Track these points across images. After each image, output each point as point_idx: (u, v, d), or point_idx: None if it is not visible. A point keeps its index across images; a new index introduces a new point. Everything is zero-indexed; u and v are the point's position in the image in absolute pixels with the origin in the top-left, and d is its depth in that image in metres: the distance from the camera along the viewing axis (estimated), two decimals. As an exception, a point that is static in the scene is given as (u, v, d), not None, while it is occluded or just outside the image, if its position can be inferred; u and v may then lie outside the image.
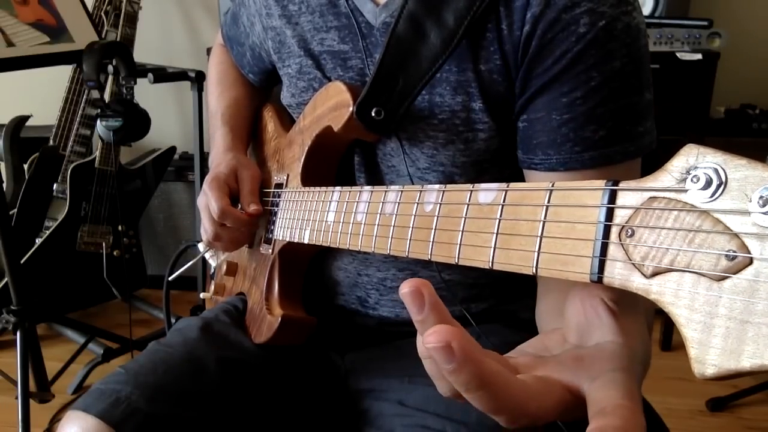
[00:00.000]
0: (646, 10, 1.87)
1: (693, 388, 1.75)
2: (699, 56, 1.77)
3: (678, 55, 1.77)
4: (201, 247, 1.02)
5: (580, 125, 0.60)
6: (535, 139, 0.63)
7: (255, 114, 1.00)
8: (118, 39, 1.92)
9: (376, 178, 0.77)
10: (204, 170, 1.91)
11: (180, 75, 1.84)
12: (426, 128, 0.69)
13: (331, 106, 0.72)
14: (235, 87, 0.99)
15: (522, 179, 0.67)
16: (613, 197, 0.33)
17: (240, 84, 0.99)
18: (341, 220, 0.61)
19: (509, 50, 0.63)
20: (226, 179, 0.84)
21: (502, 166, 0.70)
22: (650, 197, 0.32)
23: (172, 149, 2.16)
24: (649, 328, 0.58)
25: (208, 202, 0.83)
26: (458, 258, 0.44)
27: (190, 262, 0.97)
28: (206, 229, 0.85)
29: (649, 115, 0.63)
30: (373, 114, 0.66)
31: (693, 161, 0.30)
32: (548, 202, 0.37)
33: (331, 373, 0.84)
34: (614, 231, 0.33)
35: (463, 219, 0.44)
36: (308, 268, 0.83)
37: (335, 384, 0.82)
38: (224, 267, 0.97)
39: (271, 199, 0.85)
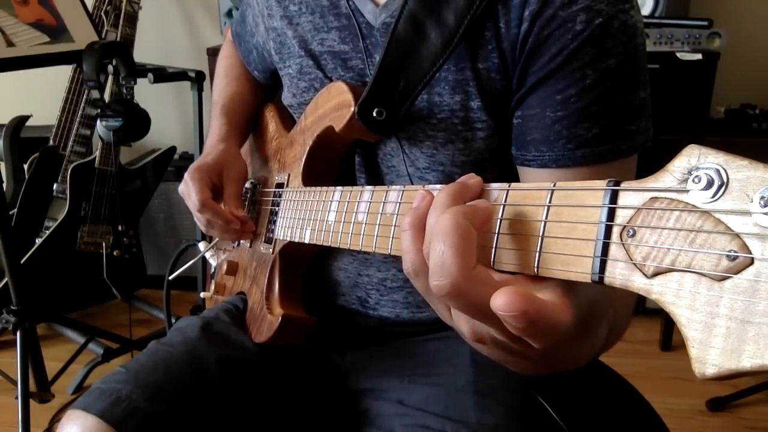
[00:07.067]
0: (646, 10, 1.87)
1: (693, 388, 1.75)
2: (699, 56, 1.77)
3: (678, 55, 1.77)
4: (201, 246, 1.03)
5: (574, 123, 0.60)
6: (528, 136, 0.64)
7: (257, 110, 1.00)
8: (118, 39, 1.92)
9: (376, 178, 0.77)
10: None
11: (180, 75, 1.84)
12: (425, 128, 0.69)
13: (332, 106, 0.72)
14: (239, 81, 0.99)
15: None
16: (614, 197, 0.34)
17: (244, 79, 1.00)
18: (342, 220, 0.61)
19: (507, 48, 0.63)
20: (209, 172, 0.84)
21: (502, 165, 0.70)
22: (652, 197, 0.32)
23: (172, 149, 2.16)
24: (625, 322, 0.59)
25: (188, 192, 0.83)
26: (459, 258, 0.44)
27: (190, 262, 0.97)
28: (197, 218, 0.86)
29: (644, 114, 0.63)
30: (374, 114, 0.66)
31: (694, 162, 0.31)
32: (550, 202, 0.37)
33: (331, 373, 0.84)
34: (615, 231, 0.33)
35: (464, 219, 0.44)
36: (308, 269, 0.83)
37: (335, 384, 0.82)
38: (225, 266, 0.97)
39: (272, 198, 0.85)
